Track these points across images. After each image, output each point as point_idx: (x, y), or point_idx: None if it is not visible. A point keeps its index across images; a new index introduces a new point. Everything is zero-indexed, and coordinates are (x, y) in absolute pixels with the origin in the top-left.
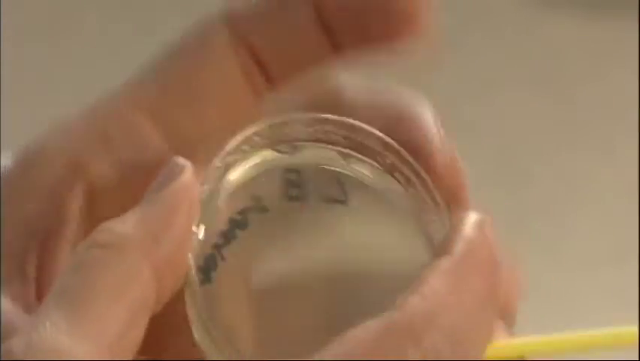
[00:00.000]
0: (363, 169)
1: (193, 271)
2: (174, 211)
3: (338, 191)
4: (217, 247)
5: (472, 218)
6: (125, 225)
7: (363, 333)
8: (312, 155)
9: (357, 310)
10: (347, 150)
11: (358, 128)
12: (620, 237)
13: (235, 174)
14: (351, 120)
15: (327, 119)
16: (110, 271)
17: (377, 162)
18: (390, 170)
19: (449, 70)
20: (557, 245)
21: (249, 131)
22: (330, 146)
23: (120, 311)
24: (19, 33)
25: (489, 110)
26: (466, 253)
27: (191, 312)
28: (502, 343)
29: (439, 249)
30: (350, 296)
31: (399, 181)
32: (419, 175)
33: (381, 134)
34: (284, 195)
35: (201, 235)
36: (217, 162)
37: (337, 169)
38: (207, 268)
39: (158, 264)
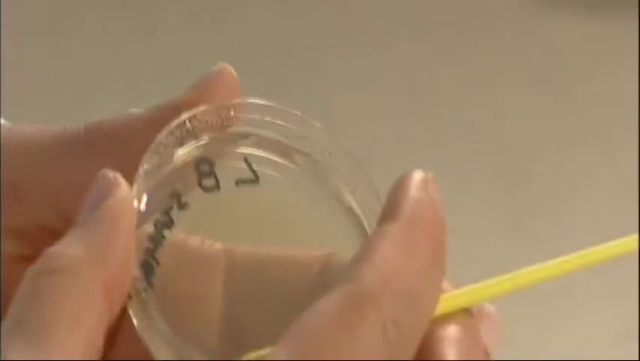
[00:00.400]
0: (268, 147)
1: (135, 282)
2: (118, 228)
3: (248, 172)
4: (149, 252)
5: (416, 177)
6: (73, 247)
7: (325, 308)
8: (217, 143)
9: (292, 288)
10: (249, 130)
11: (262, 107)
12: (620, 236)
13: (154, 177)
14: (251, 100)
15: (227, 105)
16: (66, 297)
17: (282, 135)
18: (297, 144)
19: (450, 68)
20: (557, 244)
21: (163, 133)
22: (235, 130)
23: (81, 338)
24: (19, 33)
25: (489, 110)
26: (412, 217)
27: (140, 320)
28: (450, 294)
29: (386, 213)
30: (281, 278)
31: (307, 154)
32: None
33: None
34: (200, 186)
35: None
36: (139, 170)
37: (244, 151)
38: (146, 275)
39: (109, 282)
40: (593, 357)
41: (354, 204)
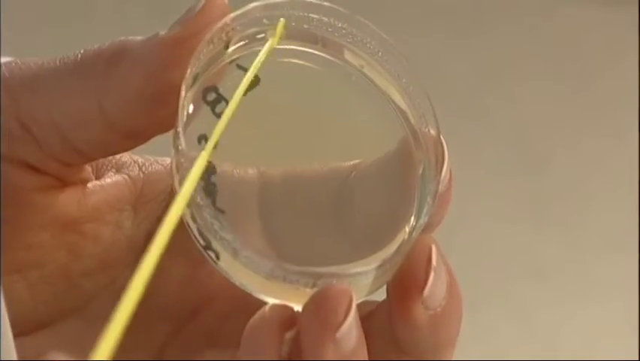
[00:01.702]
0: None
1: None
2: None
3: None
4: (206, 177)
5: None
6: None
7: None
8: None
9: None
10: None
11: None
12: (636, 222)
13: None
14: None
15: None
16: None
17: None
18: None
19: (468, 57)
20: (577, 230)
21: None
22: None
23: None
24: (30, 18)
25: (506, 97)
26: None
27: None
28: None
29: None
30: (316, 190)
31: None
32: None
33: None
34: (216, 116)
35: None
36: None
37: (233, 57)
38: (213, 201)
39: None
40: (593, 357)
41: (402, 104)
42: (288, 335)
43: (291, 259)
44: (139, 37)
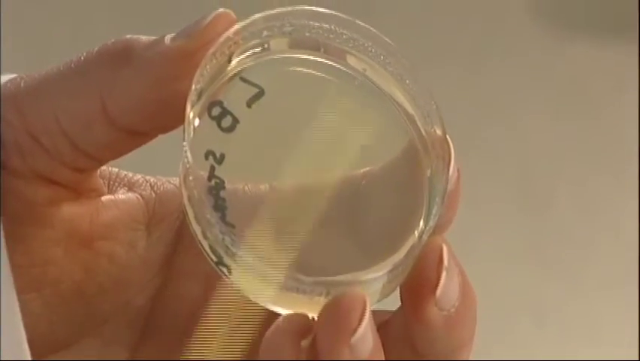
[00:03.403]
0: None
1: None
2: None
3: (251, 88)
4: (214, 192)
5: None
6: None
7: None
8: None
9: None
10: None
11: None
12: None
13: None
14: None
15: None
16: None
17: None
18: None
19: (470, 94)
20: (579, 269)
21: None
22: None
23: None
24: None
25: (510, 133)
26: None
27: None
28: None
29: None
30: (328, 199)
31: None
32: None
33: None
34: (222, 130)
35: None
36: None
37: (237, 69)
38: (222, 218)
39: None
40: (593, 357)
41: (407, 106)
42: (304, 343)
43: (303, 270)
44: (144, 38)
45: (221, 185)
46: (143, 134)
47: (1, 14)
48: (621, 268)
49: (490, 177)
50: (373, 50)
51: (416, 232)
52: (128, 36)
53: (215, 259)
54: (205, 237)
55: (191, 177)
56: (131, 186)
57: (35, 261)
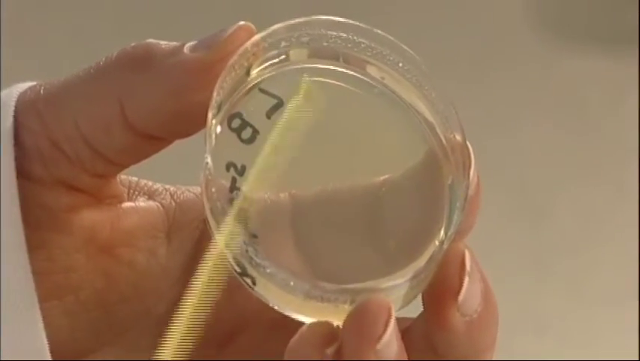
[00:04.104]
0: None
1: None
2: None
3: (270, 99)
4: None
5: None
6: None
7: None
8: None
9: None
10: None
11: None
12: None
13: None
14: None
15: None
16: None
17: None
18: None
19: (471, 102)
20: (579, 279)
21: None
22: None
23: None
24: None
25: (506, 146)
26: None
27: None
28: None
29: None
30: (348, 207)
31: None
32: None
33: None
34: (243, 142)
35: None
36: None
37: (257, 80)
38: (245, 228)
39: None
40: (593, 357)
41: (427, 113)
42: (329, 350)
43: (326, 278)
44: (164, 45)
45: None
46: (161, 139)
47: (2, 16)
48: (621, 279)
49: (489, 187)
50: (391, 57)
51: (437, 239)
52: (148, 40)
53: (239, 270)
54: (228, 248)
55: (213, 189)
56: (151, 195)
57: (57, 268)
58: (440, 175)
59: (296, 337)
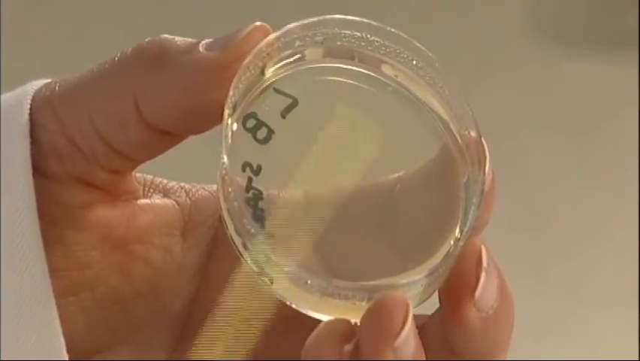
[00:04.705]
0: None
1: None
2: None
3: (284, 99)
4: (253, 203)
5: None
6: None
7: None
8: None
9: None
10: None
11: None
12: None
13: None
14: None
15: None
16: None
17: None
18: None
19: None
20: (578, 283)
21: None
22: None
23: None
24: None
25: (505, 149)
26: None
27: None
28: None
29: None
30: (362, 206)
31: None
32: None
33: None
34: (258, 142)
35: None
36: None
37: (272, 79)
38: (262, 227)
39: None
40: (593, 357)
41: (440, 110)
42: (347, 348)
43: (343, 275)
44: (180, 41)
45: (259, 196)
46: (175, 135)
47: (2, 16)
48: (621, 282)
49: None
50: (405, 55)
51: (453, 236)
52: (163, 36)
53: (257, 269)
54: (246, 248)
55: (230, 189)
56: (166, 193)
57: (73, 264)
58: (455, 172)
59: (313, 335)
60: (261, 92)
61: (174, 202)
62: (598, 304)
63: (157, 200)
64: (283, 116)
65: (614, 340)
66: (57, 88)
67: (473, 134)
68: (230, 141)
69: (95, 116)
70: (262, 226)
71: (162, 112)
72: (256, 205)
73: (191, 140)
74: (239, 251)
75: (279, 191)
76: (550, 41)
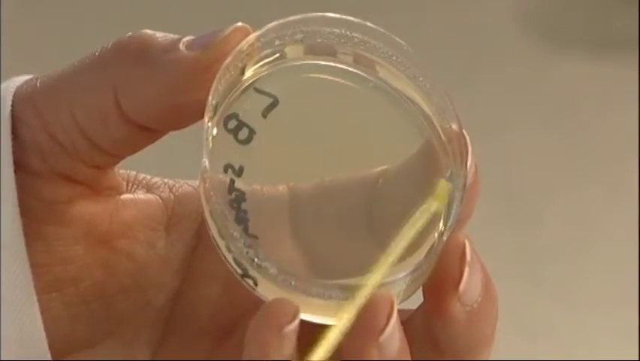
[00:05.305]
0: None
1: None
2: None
3: (265, 98)
4: (236, 205)
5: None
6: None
7: None
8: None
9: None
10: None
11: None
12: (634, 278)
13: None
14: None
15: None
16: None
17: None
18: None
19: (461, 109)
20: (571, 285)
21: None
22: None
23: None
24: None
25: (498, 151)
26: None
27: (246, 268)
28: None
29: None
30: (345, 199)
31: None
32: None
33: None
34: (239, 143)
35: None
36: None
37: (250, 80)
38: (245, 230)
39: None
40: (593, 356)
41: (422, 104)
42: (288, 328)
43: (327, 274)
44: (161, 38)
45: (241, 197)
46: (156, 130)
47: (2, 16)
48: (613, 284)
49: (482, 192)
50: (384, 50)
51: (436, 231)
52: (144, 32)
53: (240, 271)
54: (229, 250)
55: (211, 192)
56: (149, 188)
57: (56, 260)
58: (438, 166)
59: (256, 316)
60: (242, 93)
61: (157, 197)
62: (590, 306)
63: (140, 195)
64: (264, 116)
65: (611, 342)
66: (38, 84)
67: (455, 127)
68: (210, 144)
69: (76, 111)
70: (245, 229)
71: (142, 108)
72: (239, 207)
73: (174, 135)
74: (222, 254)
75: (261, 191)
76: (547, 43)
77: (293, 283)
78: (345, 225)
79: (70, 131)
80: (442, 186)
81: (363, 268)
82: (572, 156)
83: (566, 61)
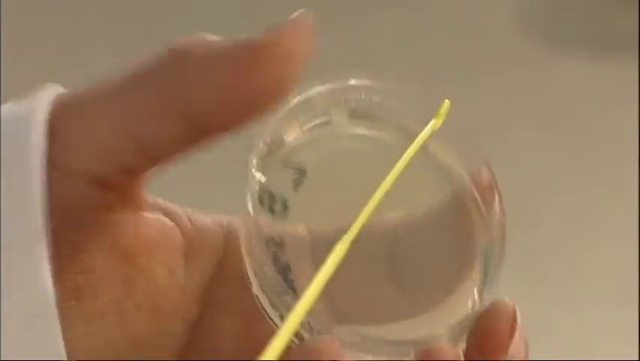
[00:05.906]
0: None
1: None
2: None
3: (293, 172)
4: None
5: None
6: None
7: None
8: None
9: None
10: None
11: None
12: (633, 278)
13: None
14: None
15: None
16: None
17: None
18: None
19: (462, 108)
20: (570, 285)
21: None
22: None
23: None
24: None
25: (498, 151)
26: None
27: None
28: None
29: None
30: (366, 245)
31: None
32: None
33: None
34: (273, 215)
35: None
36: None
37: (284, 152)
38: (285, 279)
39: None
40: (593, 357)
41: (450, 157)
42: None
43: (368, 329)
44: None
45: (287, 268)
46: (206, 131)
47: (2, 16)
48: (613, 284)
49: None
50: (415, 110)
51: (472, 289)
52: (188, 38)
53: (297, 341)
54: (283, 319)
55: (264, 267)
56: (168, 214)
57: (78, 267)
58: (467, 218)
59: None
60: (276, 166)
61: (176, 225)
62: (590, 306)
63: (162, 218)
64: (295, 189)
65: (611, 342)
66: (82, 90)
67: (485, 171)
68: (251, 223)
69: (121, 114)
70: (295, 298)
71: (192, 106)
72: (286, 277)
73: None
74: (274, 323)
75: (304, 261)
76: (546, 43)
77: (344, 339)
78: (385, 281)
79: (113, 133)
80: (445, 105)
81: (408, 325)
82: (572, 156)
83: (566, 61)
